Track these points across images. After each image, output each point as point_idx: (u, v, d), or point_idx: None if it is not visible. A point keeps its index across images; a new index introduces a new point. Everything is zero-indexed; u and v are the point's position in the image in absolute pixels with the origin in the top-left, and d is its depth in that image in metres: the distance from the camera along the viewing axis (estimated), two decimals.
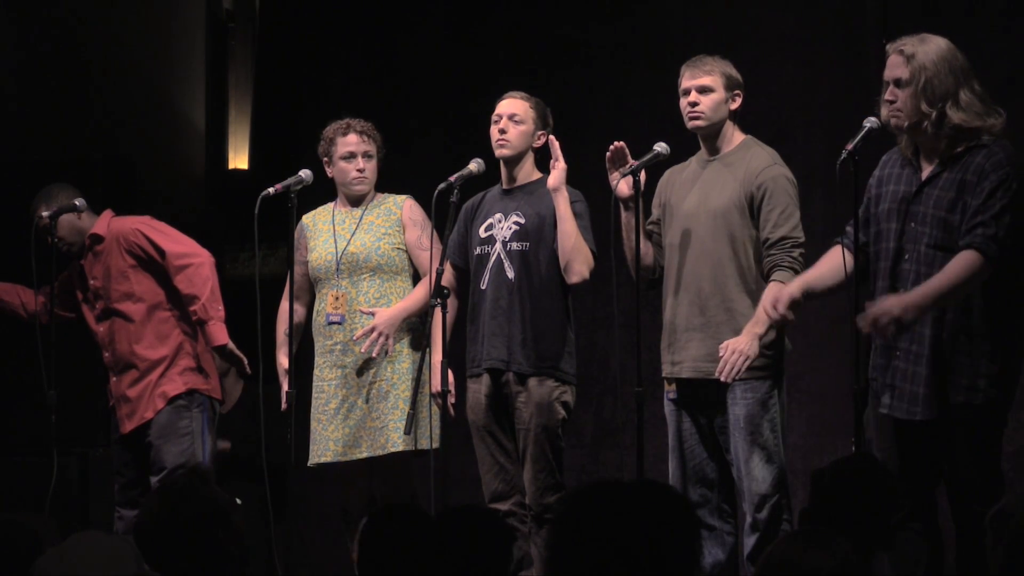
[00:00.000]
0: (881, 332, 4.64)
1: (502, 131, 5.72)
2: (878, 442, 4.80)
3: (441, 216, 5.69)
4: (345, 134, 6.01)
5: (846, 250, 4.86)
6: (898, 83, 4.80)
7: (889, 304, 4.63)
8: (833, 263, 4.94)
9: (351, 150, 5.99)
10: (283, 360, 5.95)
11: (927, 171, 4.81)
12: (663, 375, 5.41)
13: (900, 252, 4.80)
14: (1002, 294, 4.74)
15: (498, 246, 5.71)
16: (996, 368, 4.72)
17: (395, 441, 5.83)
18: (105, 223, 6.23)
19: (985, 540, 4.50)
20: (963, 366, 4.71)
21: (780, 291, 4.95)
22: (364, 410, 5.87)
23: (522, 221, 5.70)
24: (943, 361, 4.72)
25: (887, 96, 4.81)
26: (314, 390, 5.99)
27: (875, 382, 4.83)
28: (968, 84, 4.77)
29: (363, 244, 5.95)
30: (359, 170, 5.99)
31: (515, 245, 5.68)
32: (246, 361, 6.15)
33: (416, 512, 3.48)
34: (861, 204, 4.94)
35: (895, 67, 4.81)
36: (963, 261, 4.65)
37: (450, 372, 5.67)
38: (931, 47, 4.80)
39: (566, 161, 5.59)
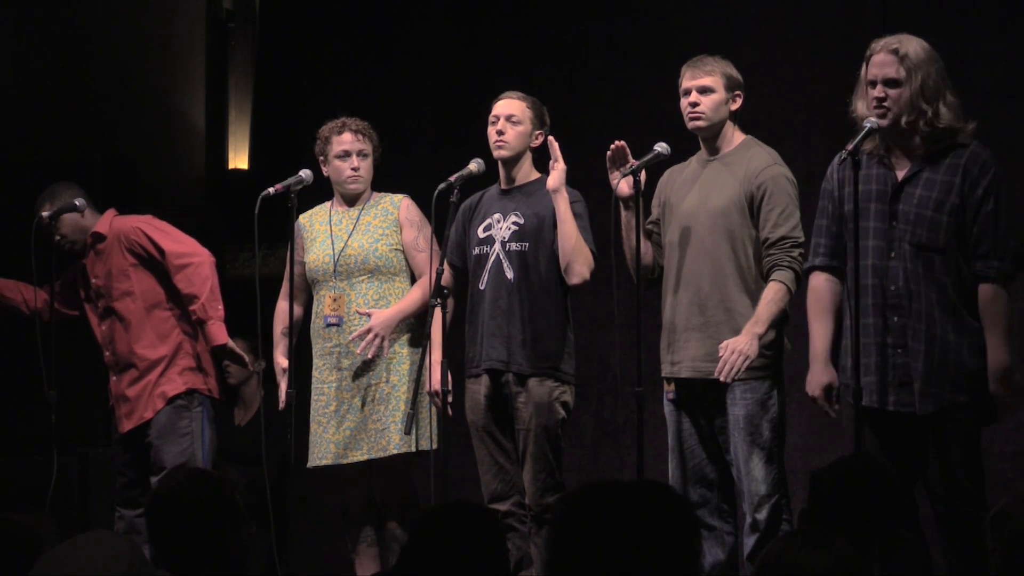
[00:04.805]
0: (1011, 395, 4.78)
1: (500, 132, 5.71)
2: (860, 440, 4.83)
3: (441, 216, 5.69)
4: (340, 133, 5.99)
5: (825, 273, 5.01)
6: (891, 82, 4.81)
7: (1000, 369, 4.76)
8: (824, 305, 5.01)
9: (346, 148, 5.98)
10: (281, 360, 5.95)
11: (904, 170, 4.85)
12: (663, 375, 5.41)
13: (886, 249, 4.83)
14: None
15: (497, 246, 5.70)
16: (976, 365, 4.80)
17: (396, 443, 5.82)
18: (107, 222, 6.23)
19: (975, 542, 4.54)
20: (954, 363, 4.77)
21: (824, 381, 4.97)
22: (363, 412, 5.86)
23: (521, 221, 5.69)
24: (938, 358, 4.76)
25: (876, 94, 4.82)
26: (313, 392, 5.98)
27: (866, 380, 4.84)
28: (948, 86, 4.83)
29: (360, 246, 5.93)
30: (354, 169, 5.98)
31: (514, 245, 5.68)
32: (248, 358, 6.16)
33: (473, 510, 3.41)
34: (824, 212, 5.02)
35: (886, 66, 4.83)
36: (997, 299, 4.79)
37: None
38: (919, 46, 4.84)
39: (565, 161, 5.59)
